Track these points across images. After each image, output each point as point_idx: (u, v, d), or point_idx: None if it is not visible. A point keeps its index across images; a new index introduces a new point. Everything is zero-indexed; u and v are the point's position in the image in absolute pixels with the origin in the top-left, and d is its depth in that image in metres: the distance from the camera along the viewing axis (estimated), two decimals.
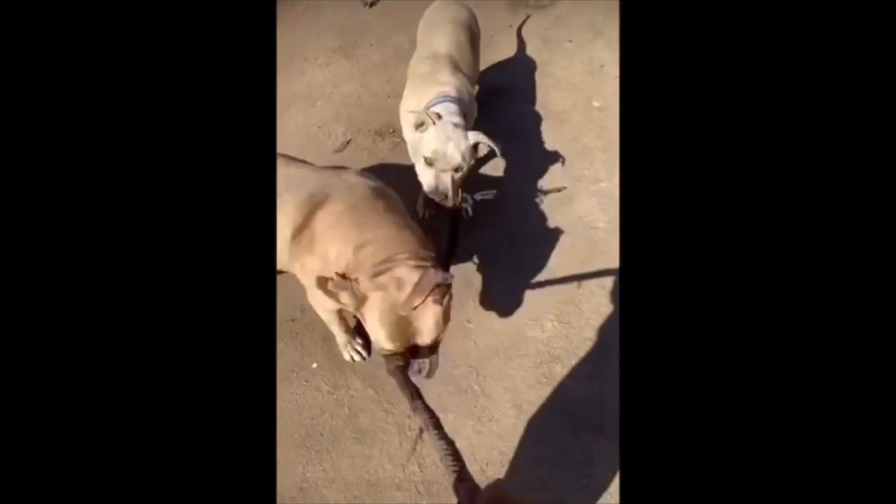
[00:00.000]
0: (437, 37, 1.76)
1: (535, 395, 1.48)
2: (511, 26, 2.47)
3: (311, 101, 2.20)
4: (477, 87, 1.85)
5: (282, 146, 2.08)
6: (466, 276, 1.71)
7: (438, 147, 1.44)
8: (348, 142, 2.06)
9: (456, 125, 1.48)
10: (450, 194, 1.47)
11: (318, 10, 2.60)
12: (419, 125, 1.49)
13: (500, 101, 2.19)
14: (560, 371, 1.52)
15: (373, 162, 2.00)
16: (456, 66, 1.68)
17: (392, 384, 1.52)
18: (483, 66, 2.29)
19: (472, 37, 1.85)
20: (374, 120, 2.12)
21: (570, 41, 2.36)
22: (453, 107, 1.54)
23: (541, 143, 2.04)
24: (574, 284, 1.67)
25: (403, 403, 1.48)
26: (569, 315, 1.61)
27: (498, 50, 2.38)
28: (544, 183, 1.92)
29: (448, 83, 1.61)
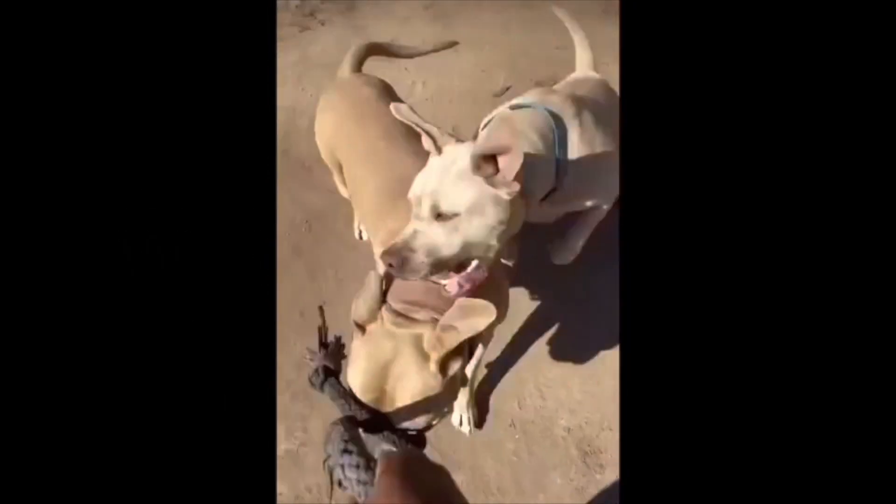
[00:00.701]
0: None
1: None
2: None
3: (480, 45, 2.23)
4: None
5: (446, 85, 2.16)
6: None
7: (419, 178, 0.86)
8: (507, 88, 2.07)
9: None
10: (414, 261, 0.81)
11: None
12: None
13: None
14: None
15: None
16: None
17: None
18: None
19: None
20: (537, 70, 2.09)
21: None
22: (534, 133, 0.91)
23: None
24: None
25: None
26: None
27: None
28: None
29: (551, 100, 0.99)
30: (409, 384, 0.75)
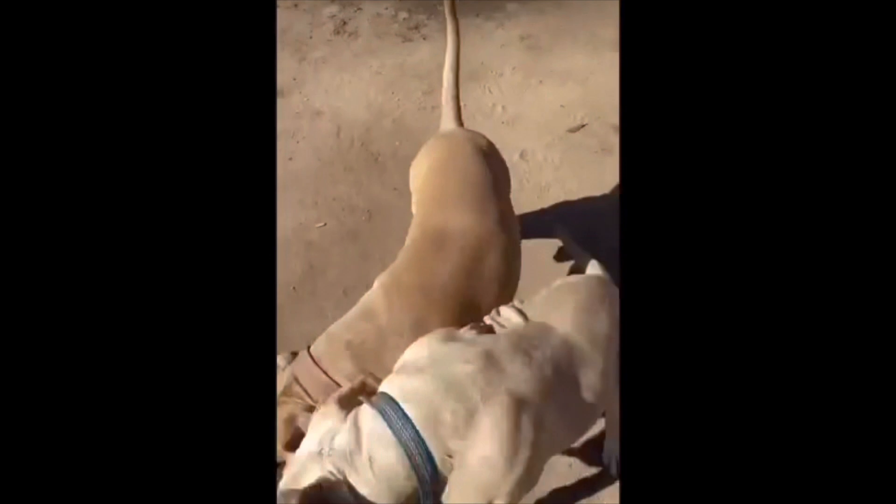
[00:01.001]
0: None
1: None
2: None
3: (563, 80, 2.31)
4: None
5: (524, 113, 2.24)
6: None
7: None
8: (583, 126, 2.12)
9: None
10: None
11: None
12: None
13: None
14: None
15: (598, 150, 2.03)
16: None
17: None
18: None
19: None
20: (614, 114, 2.13)
21: None
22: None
23: None
24: None
25: None
26: None
27: None
28: None
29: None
30: None
